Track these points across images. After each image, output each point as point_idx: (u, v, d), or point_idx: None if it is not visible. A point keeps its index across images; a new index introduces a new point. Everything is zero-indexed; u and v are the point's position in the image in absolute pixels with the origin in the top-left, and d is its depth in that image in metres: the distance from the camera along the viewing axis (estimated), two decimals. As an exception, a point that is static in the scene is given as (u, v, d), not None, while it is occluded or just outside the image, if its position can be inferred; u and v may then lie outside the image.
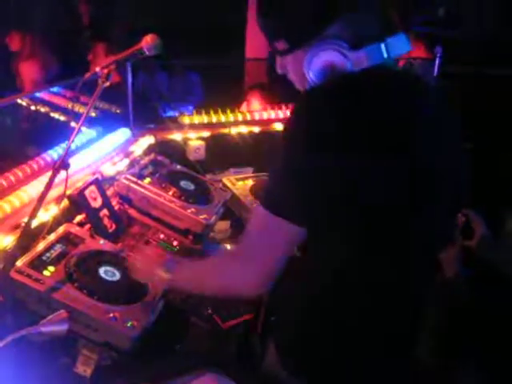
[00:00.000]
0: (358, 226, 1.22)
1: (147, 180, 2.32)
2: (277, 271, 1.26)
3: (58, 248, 1.73)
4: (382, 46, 1.25)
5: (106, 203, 2.14)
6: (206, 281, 1.44)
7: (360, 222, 1.21)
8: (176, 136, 3.10)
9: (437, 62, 3.47)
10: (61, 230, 1.82)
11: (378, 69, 1.25)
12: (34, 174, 2.17)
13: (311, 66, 1.26)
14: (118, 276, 1.71)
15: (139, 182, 2.28)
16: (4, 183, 2.02)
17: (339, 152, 1.16)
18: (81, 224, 2.01)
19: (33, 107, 3.68)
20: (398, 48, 1.27)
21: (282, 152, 1.22)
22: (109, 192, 2.27)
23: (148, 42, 1.71)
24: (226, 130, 3.23)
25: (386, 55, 1.25)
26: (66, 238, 1.79)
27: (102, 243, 1.87)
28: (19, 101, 3.50)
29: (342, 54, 1.23)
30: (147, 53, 1.72)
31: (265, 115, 3.42)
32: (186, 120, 3.22)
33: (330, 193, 1.18)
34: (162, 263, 1.56)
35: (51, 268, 1.63)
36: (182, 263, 1.56)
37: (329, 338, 1.35)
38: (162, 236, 2.20)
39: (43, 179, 2.06)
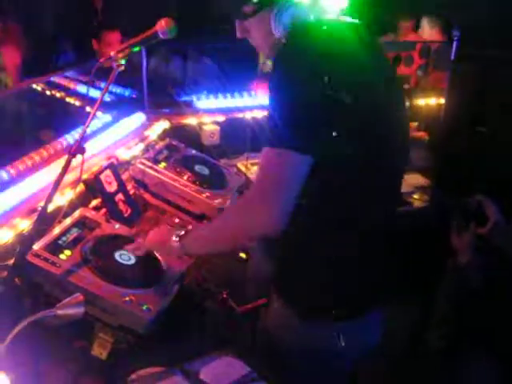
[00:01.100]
0: (347, 156, 1.38)
1: (162, 164, 2.32)
2: (294, 204, 1.34)
3: (74, 232, 1.74)
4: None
5: (122, 188, 2.15)
6: (227, 227, 1.48)
7: (347, 150, 1.37)
8: (191, 120, 3.10)
9: (454, 45, 3.42)
10: (76, 214, 1.83)
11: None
12: (50, 159, 2.18)
13: (281, 20, 1.44)
14: (133, 260, 1.72)
15: (154, 166, 2.28)
16: (20, 167, 2.03)
17: (334, 82, 1.32)
18: (96, 208, 2.02)
19: (48, 92, 3.69)
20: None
21: (284, 91, 1.35)
22: (124, 176, 2.28)
23: (163, 25, 1.70)
24: (240, 115, 3.22)
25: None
26: (82, 223, 1.80)
27: (118, 227, 1.87)
28: (34, 86, 3.50)
29: (304, 8, 1.45)
30: (162, 36, 1.71)
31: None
32: (201, 104, 3.21)
33: (335, 120, 1.34)
34: (173, 232, 1.58)
35: (67, 252, 1.64)
36: (193, 227, 1.60)
37: (312, 266, 1.53)
38: (176, 220, 2.21)
39: (59, 164, 2.07)
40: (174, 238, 1.56)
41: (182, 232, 1.57)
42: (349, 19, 1.51)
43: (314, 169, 1.35)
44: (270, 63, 1.59)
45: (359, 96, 1.36)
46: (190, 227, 1.61)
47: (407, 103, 1.64)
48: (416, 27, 4.60)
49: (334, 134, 1.34)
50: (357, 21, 1.52)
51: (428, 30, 4.32)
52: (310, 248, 1.52)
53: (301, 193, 1.35)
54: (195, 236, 1.57)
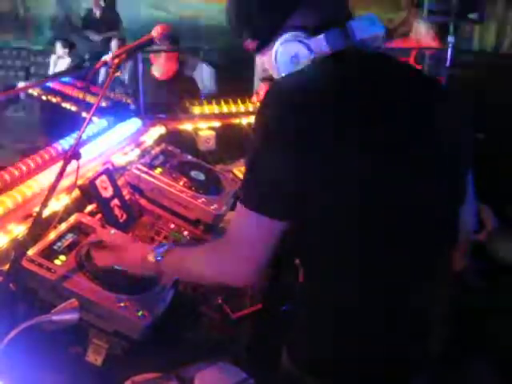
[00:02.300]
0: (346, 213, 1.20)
1: (158, 170, 2.32)
2: (264, 263, 1.24)
3: (70, 237, 1.74)
4: (339, 29, 1.25)
5: (117, 193, 2.15)
6: (193, 269, 1.41)
7: (346, 207, 1.19)
8: (187, 126, 3.11)
9: (449, 51, 3.44)
10: (72, 219, 1.83)
11: (340, 55, 1.25)
12: (46, 164, 2.17)
13: (277, 60, 1.28)
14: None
15: (150, 172, 2.28)
16: (16, 173, 2.02)
17: (311, 145, 1.15)
18: (92, 214, 2.01)
19: (44, 97, 3.69)
20: (362, 31, 1.25)
21: (258, 149, 1.21)
22: (120, 182, 2.27)
23: (159, 31, 1.71)
24: (236, 121, 3.22)
25: (346, 39, 1.25)
26: (77, 228, 1.80)
27: (113, 233, 1.87)
28: (30, 91, 3.51)
29: (301, 42, 1.25)
30: (158, 43, 1.72)
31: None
32: (197, 110, 3.22)
33: (311, 186, 1.17)
34: (151, 249, 1.51)
35: (62, 257, 1.64)
36: (172, 250, 1.47)
37: (331, 329, 1.32)
38: (172, 226, 2.20)
39: (54, 169, 2.07)
40: (150, 257, 1.47)
41: (161, 250, 1.47)
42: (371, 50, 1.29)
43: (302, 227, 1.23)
44: None
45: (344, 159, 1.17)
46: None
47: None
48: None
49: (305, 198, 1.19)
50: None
51: (423, 34, 4.34)
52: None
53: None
54: (171, 264, 1.46)
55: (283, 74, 1.28)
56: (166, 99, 3.77)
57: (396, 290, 1.29)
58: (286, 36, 1.26)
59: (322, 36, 1.24)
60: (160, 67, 4.07)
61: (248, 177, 1.25)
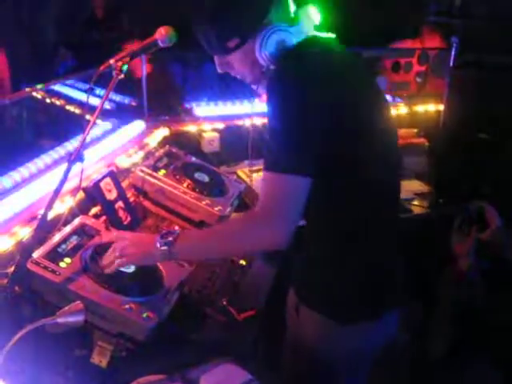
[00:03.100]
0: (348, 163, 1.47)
1: (162, 172, 2.33)
2: (298, 222, 1.43)
3: (74, 240, 1.74)
4: (310, 18, 1.54)
5: (121, 195, 2.15)
6: (225, 244, 1.52)
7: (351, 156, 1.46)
8: (190, 128, 3.11)
9: (453, 52, 3.43)
10: (76, 221, 1.83)
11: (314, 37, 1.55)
12: (50, 167, 2.18)
13: (266, 48, 1.48)
14: (133, 267, 1.71)
15: (154, 173, 2.29)
16: (20, 175, 2.03)
17: (321, 101, 1.41)
18: (96, 216, 2.02)
19: (48, 100, 3.70)
20: (317, 16, 1.57)
21: (281, 117, 1.41)
22: (124, 184, 2.28)
23: (162, 33, 1.71)
24: (240, 122, 3.22)
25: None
26: (82, 230, 1.80)
27: (118, 235, 1.87)
28: (34, 94, 3.51)
29: (288, 32, 1.49)
30: (161, 45, 1.72)
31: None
32: (201, 112, 3.22)
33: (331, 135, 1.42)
34: (154, 239, 1.54)
35: (67, 259, 1.64)
36: (178, 233, 1.53)
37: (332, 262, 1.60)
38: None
39: (59, 171, 2.07)
40: (158, 245, 1.52)
41: (170, 238, 1.52)
42: (325, 35, 1.59)
43: (317, 185, 1.43)
44: (255, 88, 1.63)
45: (347, 116, 1.45)
46: (176, 230, 1.59)
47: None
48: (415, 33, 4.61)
49: (327, 154, 1.42)
50: (333, 35, 1.61)
51: (428, 37, 4.34)
52: (332, 258, 1.61)
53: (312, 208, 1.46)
54: (187, 239, 1.54)
55: (268, 57, 1.50)
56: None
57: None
58: (274, 27, 1.48)
59: (299, 25, 1.52)
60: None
61: (276, 144, 1.41)
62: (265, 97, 1.47)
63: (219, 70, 1.63)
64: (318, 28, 1.59)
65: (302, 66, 1.44)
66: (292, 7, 1.56)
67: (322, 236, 1.61)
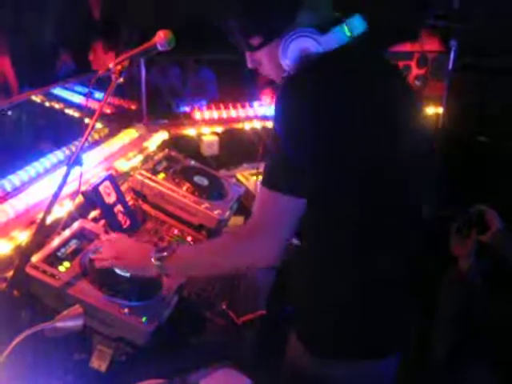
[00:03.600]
0: (356, 186, 1.35)
1: (161, 175, 2.32)
2: (289, 240, 1.38)
3: (73, 244, 1.74)
4: (345, 26, 1.36)
5: (121, 199, 2.15)
6: (215, 260, 1.47)
7: (356, 180, 1.34)
8: (190, 131, 3.11)
9: (452, 55, 3.44)
10: (75, 225, 1.83)
11: (346, 49, 1.37)
12: (49, 171, 2.17)
13: (287, 54, 1.37)
14: (132, 271, 1.71)
15: (153, 177, 2.28)
16: (19, 179, 2.03)
17: (330, 123, 1.30)
18: (95, 220, 2.01)
19: (47, 103, 3.70)
20: (357, 27, 1.38)
21: (282, 133, 1.32)
22: (123, 188, 2.27)
23: (161, 37, 1.71)
24: (239, 125, 3.22)
25: (349, 34, 1.37)
26: (81, 234, 1.80)
27: (117, 239, 1.87)
28: (33, 97, 3.51)
29: (313, 39, 1.35)
30: (160, 48, 1.72)
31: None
32: (200, 115, 3.22)
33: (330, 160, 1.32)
34: (151, 251, 1.53)
35: (66, 264, 1.64)
36: (174, 249, 1.51)
37: (336, 305, 1.46)
38: (176, 231, 2.20)
39: (58, 175, 2.07)
40: (152, 258, 1.51)
41: (164, 253, 1.50)
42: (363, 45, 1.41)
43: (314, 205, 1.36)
44: None
45: (357, 147, 1.32)
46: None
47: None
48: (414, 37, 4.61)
49: (325, 176, 1.34)
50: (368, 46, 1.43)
51: (427, 40, 4.34)
52: (328, 279, 1.47)
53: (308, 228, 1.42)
54: (180, 256, 1.50)
55: (289, 64, 1.38)
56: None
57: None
58: (298, 32, 1.35)
59: (331, 33, 1.35)
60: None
61: (274, 162, 1.37)
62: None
63: (249, 66, 1.51)
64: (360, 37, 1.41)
65: (316, 86, 1.30)
66: (329, 12, 1.42)
67: (320, 258, 1.48)
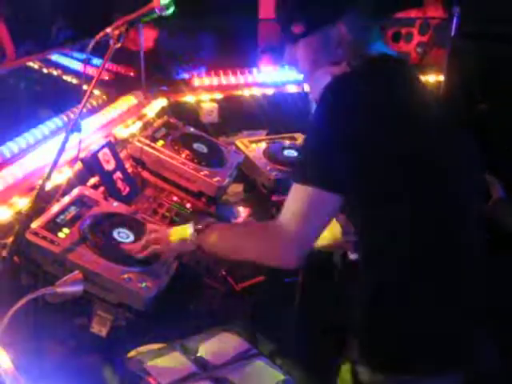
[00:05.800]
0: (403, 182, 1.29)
1: (160, 142, 2.32)
2: (314, 236, 1.33)
3: (72, 210, 1.74)
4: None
5: (120, 166, 2.14)
6: (243, 250, 1.46)
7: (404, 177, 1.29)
8: (189, 98, 3.09)
9: (454, 22, 3.40)
10: (75, 192, 1.83)
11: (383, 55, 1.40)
12: (47, 137, 2.17)
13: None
14: (131, 238, 1.72)
15: (152, 144, 2.28)
16: (18, 146, 2.02)
17: (373, 122, 1.28)
18: (94, 186, 2.01)
19: (45, 70, 3.66)
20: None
21: (321, 129, 1.31)
22: (122, 155, 2.27)
23: (160, 1, 1.68)
24: (239, 92, 3.20)
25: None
26: (80, 201, 1.80)
27: (116, 205, 1.87)
28: (31, 64, 3.48)
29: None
30: (159, 13, 1.70)
31: (278, 77, 3.38)
32: (199, 82, 3.19)
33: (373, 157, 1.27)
34: (192, 225, 1.54)
35: (66, 230, 1.65)
36: (212, 227, 1.52)
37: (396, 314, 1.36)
38: (175, 198, 2.21)
39: (57, 142, 2.07)
40: (189, 229, 1.53)
41: (200, 226, 1.52)
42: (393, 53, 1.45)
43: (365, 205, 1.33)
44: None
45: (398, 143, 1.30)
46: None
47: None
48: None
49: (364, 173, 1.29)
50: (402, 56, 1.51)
51: (431, 7, 4.28)
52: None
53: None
54: (213, 231, 1.51)
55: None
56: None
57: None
58: None
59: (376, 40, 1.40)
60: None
61: (309, 157, 1.33)
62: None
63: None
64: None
65: (357, 92, 1.31)
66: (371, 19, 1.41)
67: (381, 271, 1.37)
